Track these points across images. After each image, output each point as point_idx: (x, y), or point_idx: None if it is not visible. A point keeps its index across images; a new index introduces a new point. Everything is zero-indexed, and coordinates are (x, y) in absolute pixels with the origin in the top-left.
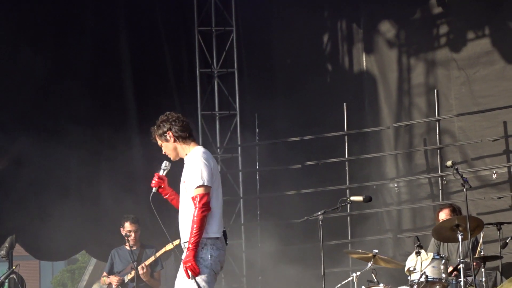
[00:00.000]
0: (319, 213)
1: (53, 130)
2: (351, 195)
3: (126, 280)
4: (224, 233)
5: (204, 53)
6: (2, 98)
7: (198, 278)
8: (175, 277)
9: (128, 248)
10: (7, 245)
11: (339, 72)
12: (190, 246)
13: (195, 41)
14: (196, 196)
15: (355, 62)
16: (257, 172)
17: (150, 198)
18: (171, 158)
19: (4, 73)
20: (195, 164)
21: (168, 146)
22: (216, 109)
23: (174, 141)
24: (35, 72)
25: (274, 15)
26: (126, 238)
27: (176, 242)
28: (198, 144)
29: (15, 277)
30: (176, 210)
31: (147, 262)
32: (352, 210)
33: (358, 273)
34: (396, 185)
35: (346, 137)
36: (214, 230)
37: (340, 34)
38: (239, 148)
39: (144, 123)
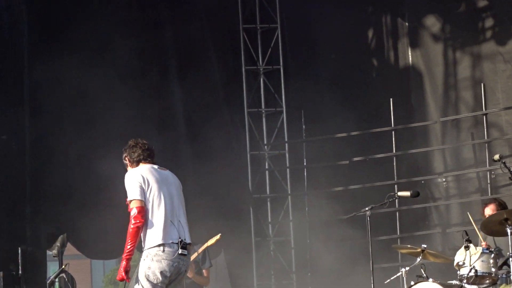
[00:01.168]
0: (367, 208)
1: (103, 135)
2: (399, 190)
3: None
4: (180, 242)
5: (249, 51)
6: (63, 107)
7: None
8: (225, 275)
9: None
10: (59, 244)
11: (384, 67)
12: (123, 256)
13: (240, 39)
14: (130, 209)
15: (401, 56)
16: (305, 169)
17: None
18: None
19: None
20: (125, 181)
21: (128, 170)
22: (263, 106)
23: (130, 165)
24: (84, 80)
25: (318, 11)
26: None
27: (217, 237)
28: (150, 163)
29: (65, 276)
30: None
31: (191, 258)
32: (400, 205)
33: (407, 268)
34: (444, 179)
35: (393, 132)
36: (153, 240)
37: (385, 29)
38: (286, 145)
39: (191, 124)
